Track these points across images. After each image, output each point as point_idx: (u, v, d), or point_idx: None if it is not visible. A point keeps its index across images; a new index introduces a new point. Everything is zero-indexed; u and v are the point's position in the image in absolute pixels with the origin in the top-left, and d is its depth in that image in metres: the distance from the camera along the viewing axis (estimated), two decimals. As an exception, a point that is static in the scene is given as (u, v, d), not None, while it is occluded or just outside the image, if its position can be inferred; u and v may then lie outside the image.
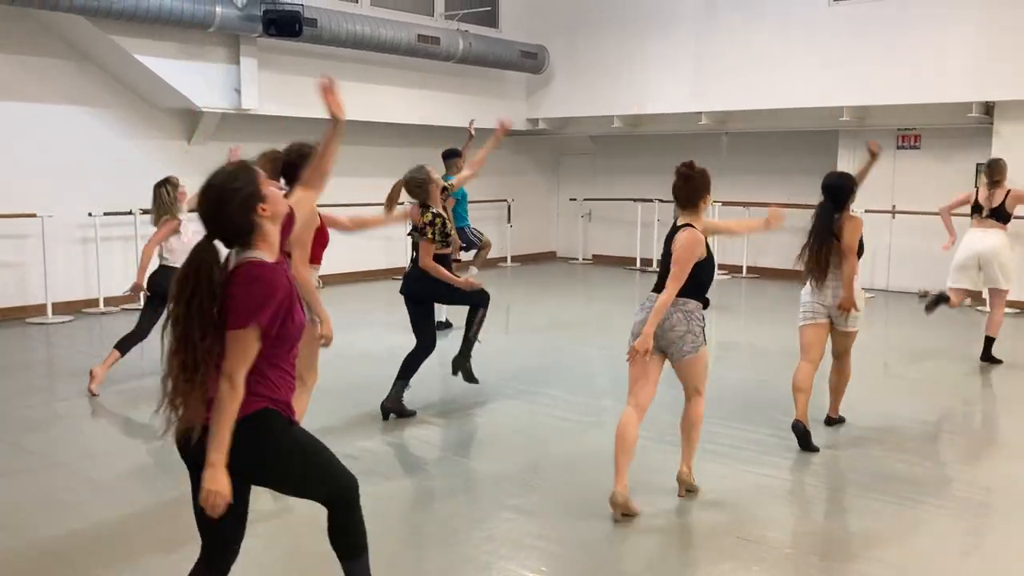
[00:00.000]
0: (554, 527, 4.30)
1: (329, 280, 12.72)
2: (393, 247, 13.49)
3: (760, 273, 13.42)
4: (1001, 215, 7.85)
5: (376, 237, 13.32)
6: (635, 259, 14.75)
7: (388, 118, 12.64)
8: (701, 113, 12.92)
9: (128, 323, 9.77)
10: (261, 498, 3.64)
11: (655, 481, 4.87)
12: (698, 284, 4.43)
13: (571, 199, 15.90)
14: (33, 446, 5.50)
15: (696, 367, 4.50)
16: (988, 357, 7.87)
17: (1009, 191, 7.85)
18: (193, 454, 2.73)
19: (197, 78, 10.41)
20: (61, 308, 9.92)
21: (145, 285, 6.81)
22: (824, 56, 11.66)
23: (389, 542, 4.16)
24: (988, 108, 10.97)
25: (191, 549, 4.04)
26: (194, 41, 10.32)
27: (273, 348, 2.75)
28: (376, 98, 12.39)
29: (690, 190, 4.47)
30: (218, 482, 2.62)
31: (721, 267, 12.76)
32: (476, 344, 6.29)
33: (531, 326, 9.74)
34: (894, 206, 11.42)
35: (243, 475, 2.77)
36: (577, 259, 15.85)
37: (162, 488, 4.79)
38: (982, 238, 7.82)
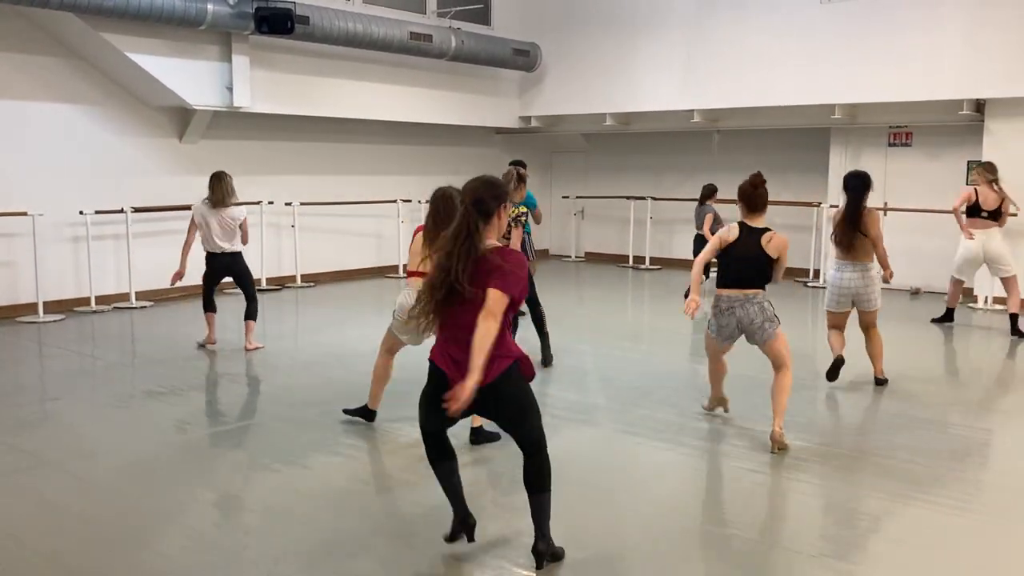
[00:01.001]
0: (548, 525, 4.29)
1: (321, 279, 12.73)
2: (385, 245, 13.49)
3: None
4: (997, 215, 8.98)
5: (367, 235, 13.33)
6: (628, 256, 14.78)
7: (380, 116, 12.63)
8: (693, 111, 12.94)
9: (121, 321, 9.84)
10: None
11: (654, 481, 4.88)
12: (765, 278, 5.41)
13: (563, 197, 15.90)
14: (25, 445, 5.48)
15: (777, 346, 5.38)
16: (1016, 332, 8.85)
17: (1002, 194, 9.00)
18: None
19: (189, 76, 10.37)
20: (52, 307, 9.89)
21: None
22: (816, 54, 11.68)
23: (382, 539, 4.16)
24: (979, 106, 11.00)
25: (189, 549, 4.04)
26: (186, 39, 10.28)
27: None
28: (368, 96, 12.38)
29: (758, 198, 5.44)
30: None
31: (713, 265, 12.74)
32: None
33: (523, 324, 9.70)
34: (886, 203, 11.44)
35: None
36: (570, 257, 15.86)
37: (156, 488, 4.78)
38: (987, 238, 8.93)
